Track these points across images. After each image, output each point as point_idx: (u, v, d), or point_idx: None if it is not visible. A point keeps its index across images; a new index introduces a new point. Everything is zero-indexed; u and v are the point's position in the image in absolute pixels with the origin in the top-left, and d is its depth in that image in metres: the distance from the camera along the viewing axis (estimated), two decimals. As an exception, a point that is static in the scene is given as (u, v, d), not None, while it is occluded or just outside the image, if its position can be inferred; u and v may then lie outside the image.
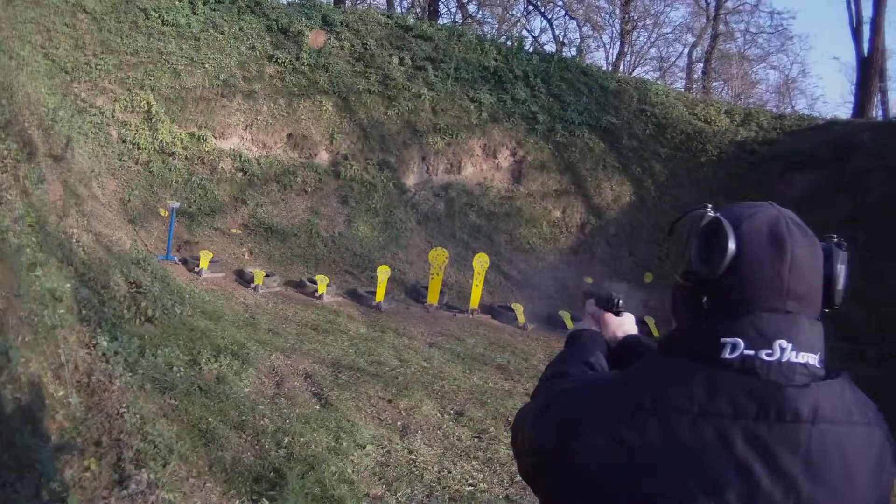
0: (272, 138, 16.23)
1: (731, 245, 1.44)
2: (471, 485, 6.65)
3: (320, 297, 12.95)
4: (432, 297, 14.02)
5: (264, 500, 5.16)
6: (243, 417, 6.57)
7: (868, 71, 24.96)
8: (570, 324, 14.17)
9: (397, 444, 7.17)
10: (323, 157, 16.53)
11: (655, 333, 14.93)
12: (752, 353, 1.39)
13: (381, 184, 16.40)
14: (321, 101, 16.92)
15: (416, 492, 6.27)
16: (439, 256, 14.02)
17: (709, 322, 1.46)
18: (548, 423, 1.55)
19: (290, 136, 16.40)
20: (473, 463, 7.15)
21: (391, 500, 5.99)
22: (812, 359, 1.43)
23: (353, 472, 6.25)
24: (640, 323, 14.80)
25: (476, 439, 7.81)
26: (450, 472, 6.80)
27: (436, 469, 6.82)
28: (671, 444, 1.35)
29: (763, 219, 1.50)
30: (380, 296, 13.34)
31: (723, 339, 1.41)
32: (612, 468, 1.38)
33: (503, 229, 16.83)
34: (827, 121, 21.13)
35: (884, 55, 26.16)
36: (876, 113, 26.27)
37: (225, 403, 6.68)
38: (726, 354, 1.40)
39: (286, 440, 6.37)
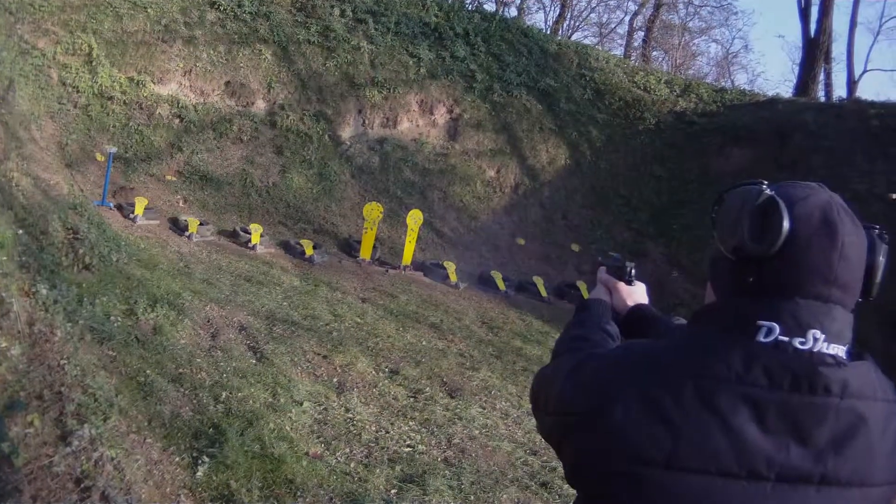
0: (210, 85, 15.92)
1: (786, 225, 1.42)
2: (409, 446, 6.63)
3: (253, 247, 12.81)
4: (365, 252, 13.95)
5: (205, 457, 5.07)
6: (181, 370, 6.45)
7: (814, 52, 25.20)
8: (500, 284, 14.25)
9: (334, 402, 7.11)
10: (260, 106, 16.29)
11: (585, 296, 15.07)
12: (786, 339, 1.39)
13: (317, 135, 16.21)
14: (261, 50, 16.61)
15: (354, 451, 6.23)
16: (374, 211, 13.93)
17: (748, 302, 1.45)
18: (579, 385, 1.55)
19: (228, 83, 16.10)
20: (411, 423, 7.13)
21: (330, 459, 5.94)
22: (841, 350, 1.42)
23: (291, 429, 6.18)
24: (573, 287, 15.02)
25: (412, 399, 7.80)
26: (387, 433, 6.77)
27: (373, 429, 6.78)
28: (707, 411, 1.37)
29: (816, 202, 1.47)
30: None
31: (759, 322, 1.41)
32: (649, 433, 1.38)
33: (437, 186, 16.77)
34: (769, 98, 21.36)
35: (830, 37, 26.38)
36: (819, 94, 26.52)
37: (162, 355, 6.54)
38: (761, 337, 1.40)
39: (224, 395, 6.27)
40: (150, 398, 5.58)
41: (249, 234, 13.03)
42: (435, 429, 7.16)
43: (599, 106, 19.52)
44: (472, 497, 5.89)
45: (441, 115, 17.82)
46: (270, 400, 6.59)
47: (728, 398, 1.36)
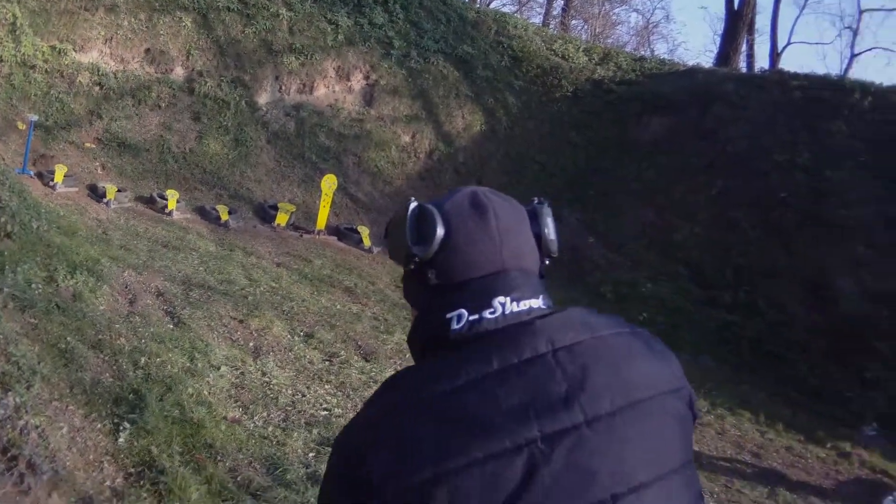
0: (130, 53, 15.73)
1: (439, 222, 1.52)
2: (325, 409, 6.81)
3: (170, 213, 12.82)
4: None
5: (125, 423, 5.16)
6: (100, 336, 6.48)
7: (737, 23, 25.43)
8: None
9: (251, 366, 7.24)
10: (178, 73, 16.13)
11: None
12: (476, 317, 1.46)
13: (234, 101, 16.11)
14: (181, 17, 16.40)
15: (272, 415, 6.38)
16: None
17: (433, 302, 1.54)
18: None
19: (147, 51, 15.92)
20: (326, 387, 7.30)
21: (248, 423, 6.08)
22: (535, 303, 1.50)
23: (209, 393, 6.28)
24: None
25: (327, 363, 7.97)
26: (304, 396, 6.93)
27: (290, 392, 6.94)
28: (445, 424, 1.35)
29: (463, 193, 1.60)
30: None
31: (447, 315, 1.48)
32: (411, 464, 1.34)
33: (352, 151, 16.81)
34: (689, 67, 21.57)
35: (754, 9, 26.68)
36: (740, 65, 26.70)
37: (82, 322, 6.57)
38: (454, 326, 1.47)
39: (143, 360, 6.33)
40: (71, 365, 5.64)
41: (166, 199, 13.03)
42: (350, 392, 7.34)
43: (516, 73, 19.65)
44: (391, 459, 6.10)
45: (357, 82, 17.81)
46: (188, 365, 6.67)
47: (450, 406, 1.37)
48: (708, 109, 17.90)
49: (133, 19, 15.85)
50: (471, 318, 1.47)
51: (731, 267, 14.72)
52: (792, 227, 14.50)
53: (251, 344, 7.87)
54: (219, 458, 5.30)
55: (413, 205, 1.59)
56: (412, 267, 1.56)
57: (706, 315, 13.69)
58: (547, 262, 1.62)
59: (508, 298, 1.48)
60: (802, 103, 16.99)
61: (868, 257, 13.34)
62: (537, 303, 1.51)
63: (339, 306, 10.17)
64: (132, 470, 4.76)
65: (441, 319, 1.49)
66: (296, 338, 8.45)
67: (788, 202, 14.78)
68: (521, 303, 1.49)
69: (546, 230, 1.63)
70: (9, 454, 3.93)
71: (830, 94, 16.99)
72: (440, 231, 1.52)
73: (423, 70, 18.57)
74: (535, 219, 1.63)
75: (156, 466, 4.82)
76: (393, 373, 1.62)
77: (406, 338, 1.69)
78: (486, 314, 1.47)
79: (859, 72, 47.82)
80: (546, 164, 18.53)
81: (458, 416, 1.36)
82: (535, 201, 1.68)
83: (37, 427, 4.27)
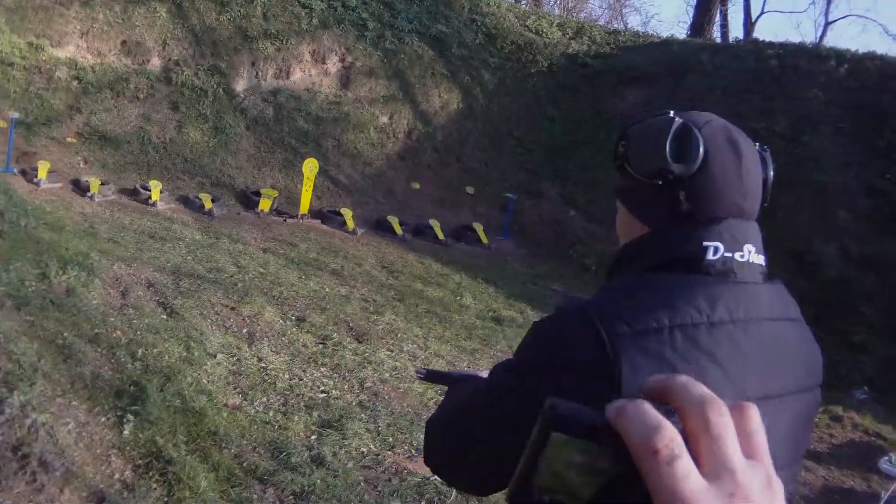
0: (107, 46, 15.62)
1: (701, 144, 1.52)
2: (323, 392, 6.84)
3: (154, 204, 12.77)
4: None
5: (129, 415, 5.18)
6: (96, 331, 6.48)
7: None
8: (398, 228, 14.48)
9: (246, 352, 7.26)
10: (155, 63, 16.03)
11: (484, 239, 15.42)
12: (730, 255, 1.50)
13: (212, 89, 16.05)
14: (155, 8, 16.31)
15: (271, 400, 6.41)
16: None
17: (689, 227, 1.53)
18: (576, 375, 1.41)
19: (124, 43, 15.81)
20: (322, 370, 7.33)
21: (249, 409, 6.11)
22: (763, 259, 1.56)
23: (208, 382, 6.31)
24: (469, 229, 15.33)
25: (321, 345, 7.99)
26: (301, 380, 6.96)
27: (287, 377, 6.96)
28: (697, 352, 1.40)
29: (718, 124, 1.59)
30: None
31: (705, 244, 1.50)
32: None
33: (331, 134, 16.75)
34: (663, 39, 21.66)
35: None
36: (714, 35, 26.65)
37: (77, 317, 6.56)
38: (710, 256, 1.49)
39: (140, 352, 6.35)
40: (70, 360, 5.64)
41: (149, 190, 12.98)
42: (346, 373, 7.37)
43: (491, 50, 19.61)
44: (391, 438, 6.14)
45: (333, 65, 17.73)
46: (185, 354, 6.69)
47: (708, 339, 1.40)
48: (682, 80, 17.94)
49: (108, 12, 15.75)
50: (726, 254, 1.50)
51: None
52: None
53: (244, 330, 7.88)
54: (223, 445, 5.34)
55: (678, 120, 1.55)
56: (660, 183, 1.55)
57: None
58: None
59: (753, 248, 1.53)
60: (778, 72, 17.06)
61: (850, 222, 13.45)
62: (764, 259, 1.56)
63: (327, 289, 10.19)
64: (140, 462, 4.79)
65: (697, 244, 1.50)
66: (288, 322, 8.46)
67: (768, 169, 14.76)
68: (758, 255, 1.54)
69: (772, 175, 1.67)
70: (20, 453, 3.95)
71: (806, 62, 17.08)
72: (701, 155, 1.52)
73: (399, 50, 18.50)
74: (763, 163, 1.65)
75: (163, 457, 4.85)
76: (540, 317, 1.57)
77: (615, 253, 1.69)
78: (737, 256, 1.50)
79: (834, 39, 47.96)
80: (524, 139, 18.56)
81: (713, 352, 1.40)
82: (759, 147, 1.68)
83: (44, 424, 4.29)
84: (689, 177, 1.52)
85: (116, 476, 4.56)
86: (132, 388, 5.62)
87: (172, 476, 4.65)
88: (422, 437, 5.56)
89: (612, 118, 18.32)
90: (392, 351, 8.32)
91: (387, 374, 7.59)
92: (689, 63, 18.43)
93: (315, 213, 14.43)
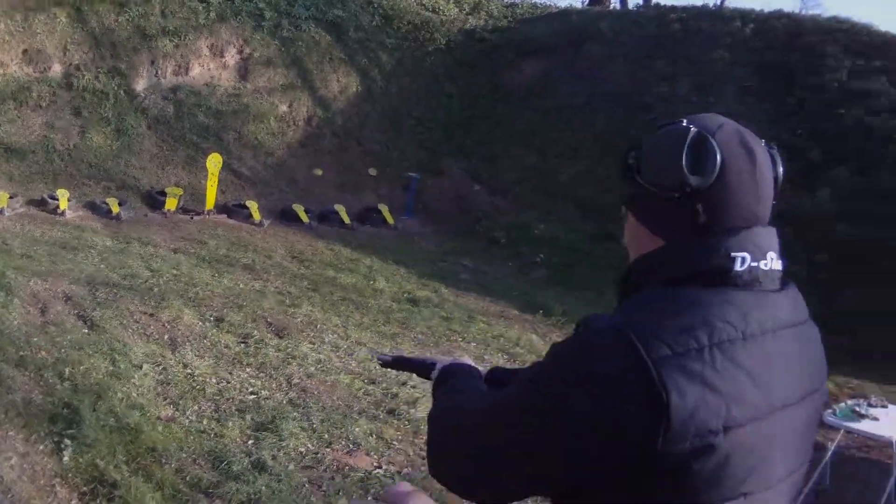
0: (8, 55, 15.25)
1: (718, 153, 1.49)
2: (252, 393, 6.82)
3: (63, 213, 12.56)
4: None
5: (66, 440, 5.13)
6: (22, 353, 6.40)
7: None
8: (303, 216, 14.45)
9: (171, 360, 7.20)
10: (56, 70, 15.68)
11: (390, 220, 15.48)
12: (755, 264, 1.49)
13: (113, 91, 15.74)
14: (55, 14, 15.97)
15: (203, 407, 6.37)
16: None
17: (713, 239, 1.50)
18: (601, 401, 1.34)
19: (25, 51, 15.46)
20: (248, 370, 7.31)
21: (183, 420, 6.07)
22: (781, 264, 1.56)
23: (138, 395, 6.25)
24: (374, 211, 15.37)
25: (243, 344, 7.97)
26: (228, 383, 6.93)
27: (214, 381, 6.93)
28: (735, 369, 1.38)
29: (730, 128, 1.57)
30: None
31: (733, 254, 1.47)
32: (706, 406, 1.33)
33: (231, 127, 16.61)
34: (561, 9, 21.75)
35: None
36: (613, 4, 26.41)
37: (1, 339, 6.47)
38: (738, 267, 1.47)
39: (67, 371, 6.28)
40: (0, 388, 5.57)
41: (57, 200, 12.75)
42: (272, 371, 7.37)
43: (388, 31, 19.55)
44: (326, 435, 6.16)
45: (231, 57, 17.52)
46: (111, 368, 6.63)
47: (742, 351, 1.40)
48: (581, 50, 18.07)
49: (9, 21, 15.38)
50: (752, 263, 1.49)
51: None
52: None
53: (166, 336, 7.83)
54: (163, 460, 5.31)
55: (693, 130, 1.53)
56: (677, 196, 1.52)
57: (604, 251, 13.90)
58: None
59: (774, 255, 1.54)
60: (681, 36, 17.25)
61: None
62: (781, 264, 1.56)
63: (241, 285, 10.16)
64: (84, 489, 4.76)
65: (725, 255, 1.48)
66: (207, 324, 8.43)
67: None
68: (778, 261, 1.54)
69: (782, 173, 1.66)
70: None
71: (710, 24, 17.30)
72: (718, 165, 1.49)
73: (296, 38, 18.36)
74: (775, 164, 1.63)
75: (106, 481, 4.82)
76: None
77: (621, 275, 1.66)
78: (762, 265, 1.50)
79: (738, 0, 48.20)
80: (423, 118, 18.64)
81: (748, 367, 1.40)
82: (766, 145, 1.63)
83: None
84: (707, 188, 1.49)
85: (64, 508, 4.54)
86: (65, 410, 5.57)
87: (120, 500, 4.63)
88: (356, 430, 5.58)
89: (510, 91, 18.49)
90: (314, 343, 8.34)
91: (312, 368, 7.61)
92: (588, 32, 18.54)
93: (221, 208, 14.33)
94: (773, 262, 1.52)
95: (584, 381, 1.35)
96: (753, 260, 1.48)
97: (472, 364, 2.07)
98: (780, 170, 1.64)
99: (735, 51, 16.09)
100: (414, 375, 2.26)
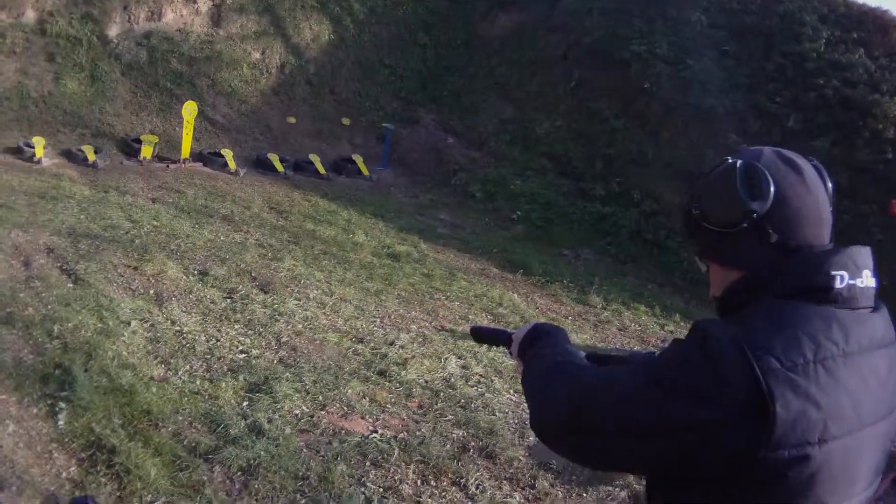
0: None
1: (768, 175, 1.59)
2: (242, 352, 6.71)
3: (39, 161, 12.21)
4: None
5: (60, 402, 5.00)
6: (8, 310, 6.22)
7: None
8: (279, 166, 14.28)
9: (158, 316, 7.06)
10: (30, 15, 15.10)
11: (365, 171, 15.36)
12: (853, 282, 1.54)
13: (86, 37, 15.26)
14: (28, -43, 15.37)
15: (194, 367, 6.24)
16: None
17: (816, 258, 1.56)
18: (698, 392, 1.43)
19: (-2, -3, 14.92)
20: (236, 327, 7.20)
21: (175, 380, 5.94)
22: (875, 282, 1.60)
23: (128, 354, 6.11)
24: (349, 161, 15.21)
25: (228, 300, 7.87)
26: (218, 341, 6.81)
27: (203, 339, 6.81)
28: (834, 383, 1.44)
29: (769, 152, 1.67)
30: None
31: (833, 272, 1.53)
32: (806, 417, 1.41)
33: (205, 74, 16.26)
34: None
35: None
36: None
37: (-14, 296, 6.30)
38: (837, 284, 1.52)
39: (56, 328, 6.12)
40: (-12, 347, 5.42)
41: (33, 147, 12.41)
42: (261, 329, 7.26)
43: (361, -22, 19.21)
44: (321, 397, 6.07)
45: (204, 3, 16.99)
46: (100, 325, 6.47)
47: (845, 370, 1.46)
48: (558, 3, 17.80)
49: (-19, -33, 14.80)
50: (850, 281, 1.54)
51: (599, 158, 14.92)
52: (657, 116, 14.73)
53: (151, 291, 7.67)
54: (160, 424, 5.19)
55: (738, 162, 1.63)
56: (745, 225, 1.61)
57: (580, 208, 13.98)
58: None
59: (869, 272, 1.59)
60: (655, -9, 17.00)
61: (740, 144, 13.66)
62: (874, 282, 1.61)
63: (222, 237, 10.02)
64: (83, 454, 4.65)
65: (826, 273, 1.54)
66: (191, 278, 8.29)
67: (652, 92, 14.94)
68: (872, 279, 1.59)
69: (831, 186, 1.69)
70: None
71: (686, -16, 17.09)
72: (773, 187, 1.58)
73: (269, -17, 17.93)
74: (822, 177, 1.68)
75: (104, 446, 4.71)
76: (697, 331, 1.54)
77: (715, 298, 1.74)
78: (858, 283, 1.55)
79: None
80: (396, 67, 18.50)
81: (846, 384, 1.47)
82: (809, 159, 1.70)
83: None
84: (769, 209, 1.58)
85: (63, 475, 4.41)
86: (57, 371, 5.43)
87: (120, 467, 4.51)
88: (349, 392, 5.50)
89: (485, 43, 18.30)
90: (299, 300, 8.24)
91: (300, 326, 7.52)
92: (564, -16, 18.23)
93: (196, 156, 14.07)
94: (867, 279, 1.57)
95: (698, 383, 1.44)
96: (851, 277, 1.54)
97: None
98: (829, 184, 1.69)
99: (711, 13, 15.86)
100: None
